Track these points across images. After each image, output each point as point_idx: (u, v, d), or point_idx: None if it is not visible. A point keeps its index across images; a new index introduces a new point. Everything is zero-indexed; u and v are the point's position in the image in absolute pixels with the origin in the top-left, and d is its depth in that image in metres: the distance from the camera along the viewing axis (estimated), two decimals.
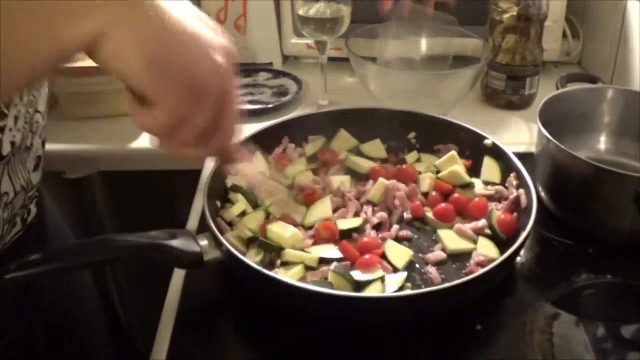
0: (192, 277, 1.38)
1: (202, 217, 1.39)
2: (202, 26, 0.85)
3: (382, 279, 1.30)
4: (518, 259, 1.42)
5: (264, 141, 1.62)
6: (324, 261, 1.35)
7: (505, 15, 1.92)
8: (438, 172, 1.59)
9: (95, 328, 1.70)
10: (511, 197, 1.47)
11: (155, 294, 1.39)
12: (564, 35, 2.22)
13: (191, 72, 0.82)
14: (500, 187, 1.52)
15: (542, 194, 1.54)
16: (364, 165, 1.64)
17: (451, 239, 1.42)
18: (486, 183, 1.56)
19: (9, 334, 1.35)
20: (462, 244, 1.41)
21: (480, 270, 1.24)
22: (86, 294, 1.71)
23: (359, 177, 1.62)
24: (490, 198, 1.52)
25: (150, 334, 1.29)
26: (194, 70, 0.83)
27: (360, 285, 1.28)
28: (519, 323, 1.29)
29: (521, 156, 1.54)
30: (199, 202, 1.46)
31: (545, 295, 1.35)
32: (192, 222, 1.55)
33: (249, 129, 1.64)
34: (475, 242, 1.41)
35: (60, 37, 0.75)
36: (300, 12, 1.86)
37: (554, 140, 1.45)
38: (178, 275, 1.40)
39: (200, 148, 0.93)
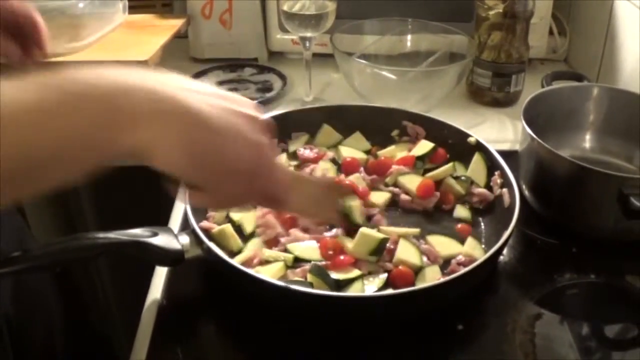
0: (174, 275, 1.38)
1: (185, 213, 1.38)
2: (233, 110, 0.94)
3: (361, 277, 1.30)
4: (501, 258, 1.41)
5: None
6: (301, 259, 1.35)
7: (491, 12, 1.91)
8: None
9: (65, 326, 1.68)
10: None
11: (140, 292, 1.38)
12: (551, 32, 2.21)
13: (233, 162, 0.94)
14: (482, 191, 1.52)
15: (526, 192, 1.53)
16: (347, 155, 1.65)
17: (442, 244, 1.41)
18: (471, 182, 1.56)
19: None
20: (453, 248, 1.40)
21: (462, 270, 1.23)
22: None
23: None
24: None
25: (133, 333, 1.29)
26: (236, 160, 0.94)
27: (340, 285, 1.28)
28: (501, 323, 1.28)
29: (506, 154, 1.55)
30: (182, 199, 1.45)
31: (528, 295, 1.35)
32: (176, 219, 1.55)
33: None
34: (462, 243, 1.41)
35: (116, 145, 0.84)
36: (285, 7, 1.85)
37: (538, 139, 1.44)
38: (159, 273, 1.39)
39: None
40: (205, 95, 0.91)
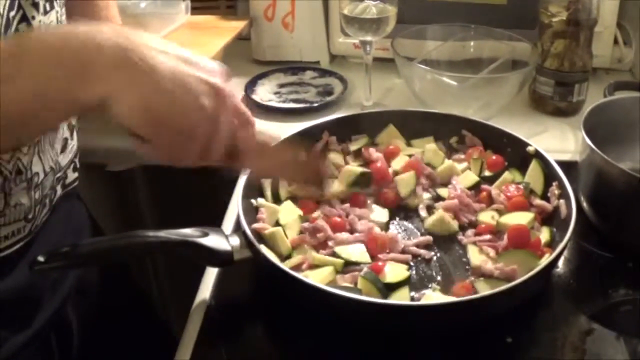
0: (224, 276, 1.39)
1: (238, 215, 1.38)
2: (189, 74, 1.00)
3: (408, 280, 1.30)
4: (555, 270, 1.38)
5: (305, 141, 1.60)
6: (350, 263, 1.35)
7: (555, 20, 1.88)
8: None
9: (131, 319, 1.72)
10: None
11: (195, 290, 1.39)
12: (616, 41, 2.17)
13: (181, 120, 1.00)
14: (541, 202, 1.48)
15: (584, 204, 1.51)
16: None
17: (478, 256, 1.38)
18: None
19: (40, 316, 1.37)
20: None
21: (515, 281, 1.21)
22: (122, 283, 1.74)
23: None
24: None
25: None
26: (183, 118, 1.00)
27: (390, 288, 1.27)
28: (552, 337, 1.26)
29: (566, 165, 1.52)
30: (236, 200, 1.45)
31: (580, 309, 1.32)
32: (229, 220, 1.55)
33: (292, 127, 1.65)
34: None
35: (75, 98, 0.95)
36: (345, 11, 1.85)
37: (597, 150, 1.42)
38: (209, 274, 1.40)
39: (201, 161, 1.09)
40: (171, 57, 0.99)
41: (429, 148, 1.64)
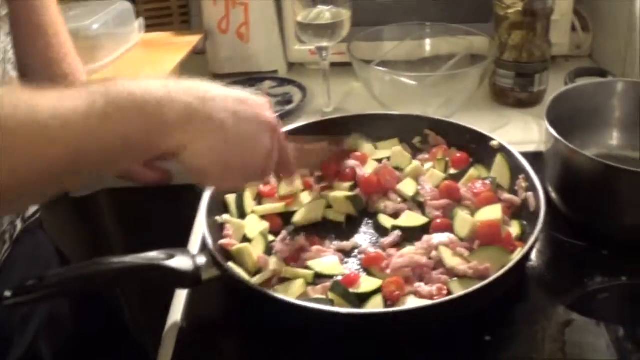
0: (195, 296, 1.36)
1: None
2: (247, 116, 1.10)
3: (380, 289, 1.27)
4: (529, 263, 1.37)
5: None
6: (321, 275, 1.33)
7: (510, 11, 1.88)
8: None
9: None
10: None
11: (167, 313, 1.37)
12: (574, 28, 2.17)
13: (243, 161, 1.12)
14: (509, 196, 1.47)
15: (553, 194, 1.50)
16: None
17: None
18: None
19: (12, 353, 1.37)
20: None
21: (490, 278, 1.19)
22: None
23: None
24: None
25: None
26: (246, 159, 1.13)
27: (362, 299, 1.25)
28: (531, 331, 1.24)
29: (532, 156, 1.52)
30: (201, 219, 1.43)
31: (558, 301, 1.32)
32: (195, 239, 1.53)
33: None
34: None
35: (151, 147, 1.02)
36: (299, 18, 1.83)
37: (561, 139, 1.41)
38: (179, 296, 1.38)
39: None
40: (228, 100, 1.08)
41: (395, 151, 1.62)
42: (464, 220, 1.39)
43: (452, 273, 1.30)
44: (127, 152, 1.01)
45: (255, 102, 1.14)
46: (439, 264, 1.32)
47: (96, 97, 0.94)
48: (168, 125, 1.01)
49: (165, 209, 1.97)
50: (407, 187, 1.53)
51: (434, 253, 1.34)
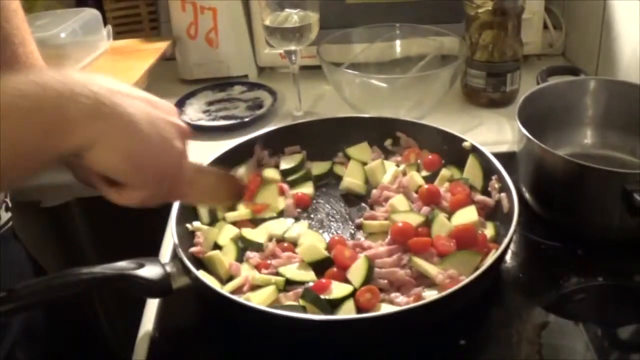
0: (166, 305, 1.35)
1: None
2: (159, 117, 1.03)
3: (353, 294, 1.26)
4: (504, 265, 1.37)
5: (235, 159, 1.60)
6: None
7: (480, 11, 1.87)
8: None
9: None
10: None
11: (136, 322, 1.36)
12: (546, 26, 2.17)
13: (157, 163, 1.03)
14: (482, 198, 1.46)
15: (527, 195, 1.49)
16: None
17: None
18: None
19: None
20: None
21: (464, 281, 1.18)
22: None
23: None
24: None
25: None
26: (160, 161, 1.04)
27: (334, 304, 1.24)
28: (506, 334, 1.24)
29: (506, 156, 1.51)
30: (170, 227, 1.41)
31: (533, 303, 1.31)
32: (166, 247, 1.51)
33: (224, 145, 1.62)
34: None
35: (52, 148, 0.94)
36: (267, 22, 1.82)
37: (533, 139, 1.40)
38: (150, 305, 1.36)
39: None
40: (136, 100, 1.01)
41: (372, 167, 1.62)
42: (442, 224, 1.38)
43: (427, 283, 1.29)
44: (29, 156, 0.94)
45: (165, 105, 1.08)
46: (419, 277, 1.31)
47: None
48: (71, 121, 0.93)
49: (137, 217, 1.95)
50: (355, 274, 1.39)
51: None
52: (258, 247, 1.40)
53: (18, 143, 0.90)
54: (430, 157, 1.58)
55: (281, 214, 1.53)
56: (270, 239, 1.43)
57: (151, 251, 1.34)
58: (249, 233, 1.44)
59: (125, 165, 0.99)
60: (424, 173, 1.56)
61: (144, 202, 1.08)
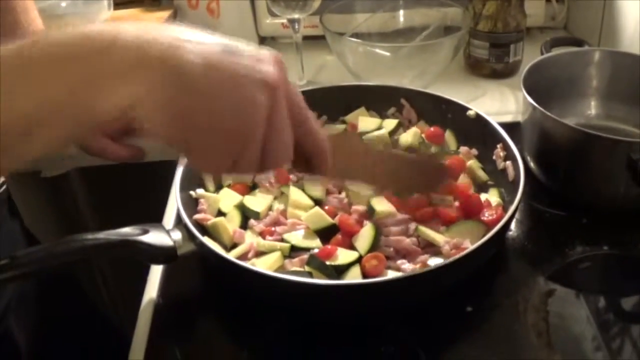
0: (170, 272, 1.34)
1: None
2: (234, 65, 0.82)
3: (359, 260, 1.25)
4: (509, 234, 1.37)
5: None
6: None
7: None
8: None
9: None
10: None
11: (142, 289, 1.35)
12: None
13: (222, 121, 0.83)
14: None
15: (531, 164, 1.48)
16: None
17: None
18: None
19: None
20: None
21: (469, 248, 1.18)
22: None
23: None
24: None
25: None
26: (229, 121, 0.83)
27: (339, 270, 1.23)
28: (512, 302, 1.23)
29: (509, 126, 1.49)
30: (175, 194, 1.40)
31: (539, 271, 1.31)
32: (170, 214, 1.51)
33: None
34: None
35: (94, 109, 0.79)
36: None
37: (540, 108, 1.39)
38: (154, 272, 1.36)
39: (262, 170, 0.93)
40: (207, 47, 0.81)
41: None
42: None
43: (433, 251, 1.29)
44: (59, 118, 0.79)
45: (250, 52, 0.85)
46: (425, 247, 1.31)
47: (29, 50, 0.77)
48: (105, 77, 0.78)
49: (139, 186, 1.95)
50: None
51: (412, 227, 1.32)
52: (255, 215, 1.38)
53: (43, 95, 0.77)
54: (432, 129, 1.58)
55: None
56: (270, 208, 1.42)
57: (152, 220, 1.31)
58: (249, 201, 1.42)
59: (174, 126, 0.82)
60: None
61: (224, 170, 0.90)
